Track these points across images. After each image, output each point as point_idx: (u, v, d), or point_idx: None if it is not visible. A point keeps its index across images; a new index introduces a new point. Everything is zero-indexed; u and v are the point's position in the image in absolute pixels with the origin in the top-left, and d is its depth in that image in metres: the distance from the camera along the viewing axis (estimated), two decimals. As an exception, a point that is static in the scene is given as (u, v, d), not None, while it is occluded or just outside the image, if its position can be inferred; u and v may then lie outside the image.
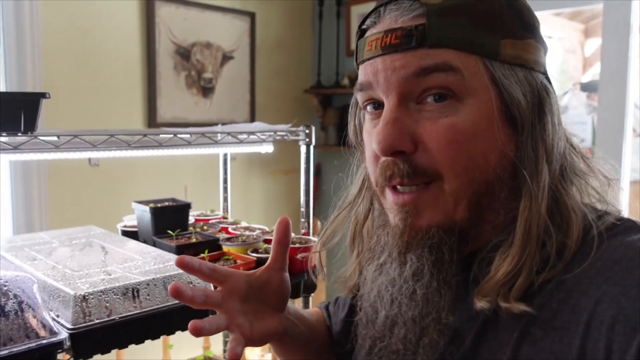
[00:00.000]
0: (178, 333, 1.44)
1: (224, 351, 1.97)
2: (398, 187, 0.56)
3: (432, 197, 0.55)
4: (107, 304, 1.05)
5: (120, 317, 1.06)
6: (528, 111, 0.53)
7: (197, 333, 0.64)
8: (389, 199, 0.58)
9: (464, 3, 0.52)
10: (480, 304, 0.52)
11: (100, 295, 1.04)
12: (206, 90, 3.06)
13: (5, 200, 2.36)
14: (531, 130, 0.52)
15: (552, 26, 3.97)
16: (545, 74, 0.57)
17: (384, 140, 0.53)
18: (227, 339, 1.94)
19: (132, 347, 1.90)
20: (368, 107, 0.59)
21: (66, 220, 2.42)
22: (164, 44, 2.84)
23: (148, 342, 1.13)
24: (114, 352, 1.35)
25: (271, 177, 3.42)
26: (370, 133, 0.59)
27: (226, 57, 3.14)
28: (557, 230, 0.51)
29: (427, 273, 0.54)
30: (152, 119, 2.82)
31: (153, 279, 1.12)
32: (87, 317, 1.02)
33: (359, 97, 0.60)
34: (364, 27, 0.60)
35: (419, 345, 0.56)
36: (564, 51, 4.24)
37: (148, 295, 1.11)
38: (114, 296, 1.06)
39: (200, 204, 1.79)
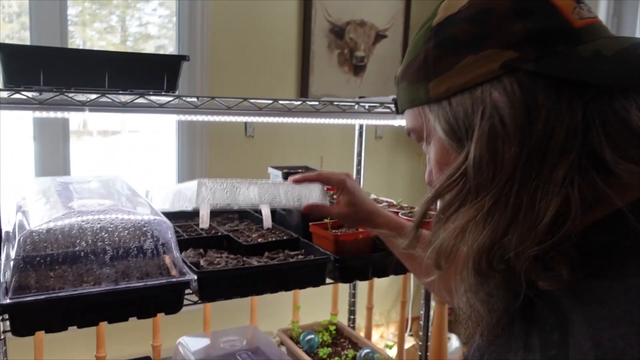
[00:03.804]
0: (308, 296, 1.49)
1: (349, 320, 2.02)
2: None
3: None
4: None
5: (243, 267, 1.15)
6: (463, 133, 0.55)
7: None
8: None
9: (403, 69, 0.62)
10: None
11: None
12: (357, 69, 3.11)
13: (172, 158, 2.65)
14: (471, 146, 0.54)
15: None
16: (507, 70, 0.52)
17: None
18: (352, 308, 1.98)
19: (264, 306, 2.03)
20: None
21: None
22: (319, 23, 2.94)
23: (278, 302, 1.19)
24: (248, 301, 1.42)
25: (417, 159, 3.38)
26: None
27: (379, 36, 3.15)
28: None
29: None
30: (304, 95, 2.95)
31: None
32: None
33: None
34: None
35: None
36: None
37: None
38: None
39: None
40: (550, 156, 0.50)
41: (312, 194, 1.13)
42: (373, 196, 1.60)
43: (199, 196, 1.05)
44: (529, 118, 0.50)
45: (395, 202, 1.50)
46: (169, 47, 2.69)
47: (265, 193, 1.13)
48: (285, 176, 1.45)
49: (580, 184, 0.49)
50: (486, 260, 0.53)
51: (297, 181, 1.11)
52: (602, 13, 2.61)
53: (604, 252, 0.51)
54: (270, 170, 1.53)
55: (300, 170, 1.53)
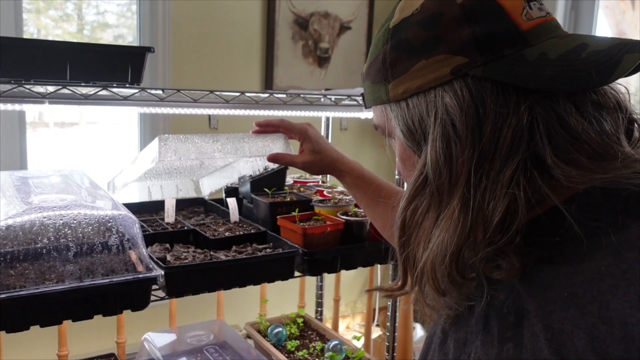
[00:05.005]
0: (275, 289, 1.47)
1: (316, 312, 2.03)
2: None
3: None
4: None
5: (212, 262, 1.13)
6: (419, 134, 0.57)
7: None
8: None
9: (367, 67, 0.63)
10: None
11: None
12: (322, 60, 3.10)
13: (133, 149, 2.59)
14: (427, 149, 0.55)
15: None
16: (457, 75, 0.53)
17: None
18: (320, 300, 1.99)
19: (231, 299, 2.01)
20: None
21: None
22: (283, 14, 2.91)
23: (244, 295, 1.19)
24: (214, 295, 1.43)
25: (382, 150, 3.41)
26: None
27: (343, 27, 3.15)
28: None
29: None
30: (268, 87, 2.93)
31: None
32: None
33: None
34: None
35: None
36: None
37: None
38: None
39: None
40: (498, 158, 0.51)
41: (276, 144, 1.13)
42: (339, 188, 1.60)
43: (161, 152, 1.03)
44: (479, 122, 0.52)
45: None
46: (128, 37, 2.62)
47: (228, 144, 1.12)
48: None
49: (525, 186, 0.50)
50: (457, 269, 0.54)
51: (259, 124, 1.12)
52: (560, 8, 2.68)
53: (550, 241, 0.53)
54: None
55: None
